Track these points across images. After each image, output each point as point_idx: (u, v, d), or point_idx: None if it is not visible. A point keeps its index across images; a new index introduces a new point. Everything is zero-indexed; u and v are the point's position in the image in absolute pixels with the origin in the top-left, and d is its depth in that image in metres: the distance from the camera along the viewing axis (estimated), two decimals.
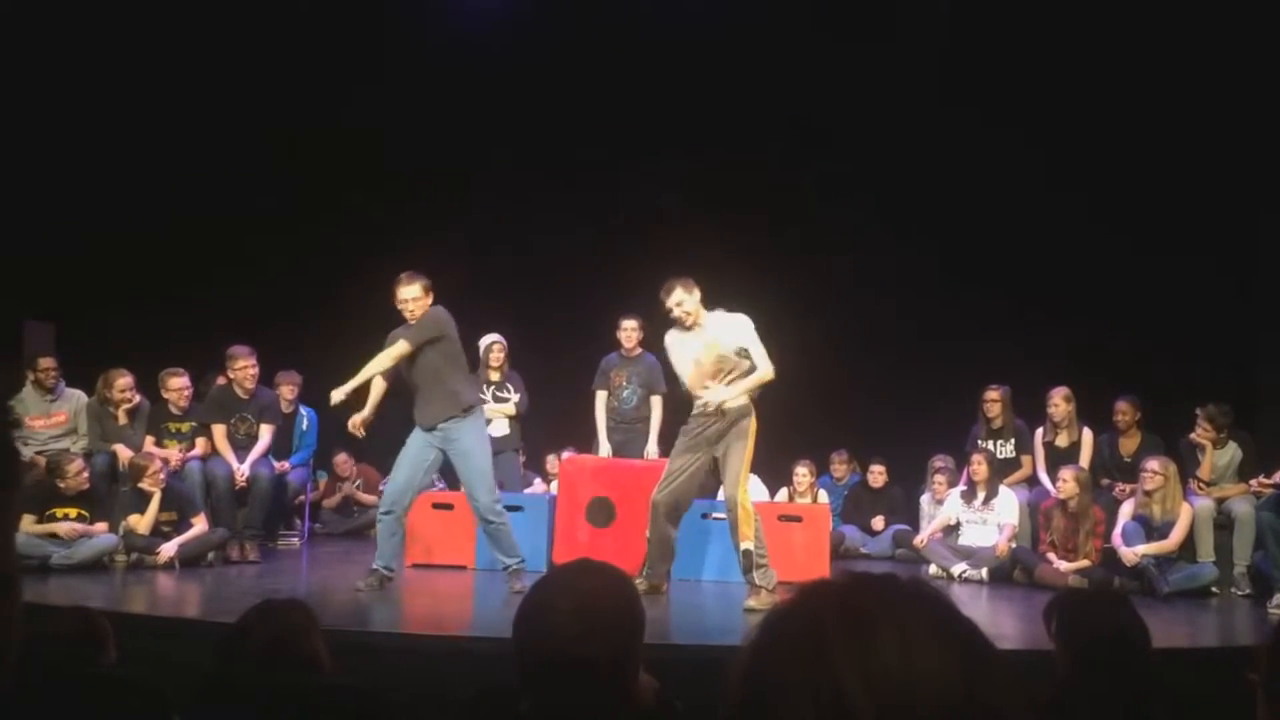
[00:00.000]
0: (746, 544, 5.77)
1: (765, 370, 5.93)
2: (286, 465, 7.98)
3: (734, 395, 5.90)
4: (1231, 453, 7.27)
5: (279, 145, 9.40)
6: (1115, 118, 8.64)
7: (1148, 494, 6.86)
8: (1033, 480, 7.93)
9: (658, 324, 7.25)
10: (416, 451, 6.06)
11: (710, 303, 6.07)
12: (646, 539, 6.12)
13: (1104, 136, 8.69)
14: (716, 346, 5.92)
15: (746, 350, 5.94)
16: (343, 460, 9.43)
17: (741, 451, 5.87)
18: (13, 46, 8.20)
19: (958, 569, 7.32)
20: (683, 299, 5.94)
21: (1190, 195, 8.47)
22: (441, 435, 6.03)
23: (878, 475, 9.03)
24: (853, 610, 0.90)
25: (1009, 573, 7.22)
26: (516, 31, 9.52)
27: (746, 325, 5.97)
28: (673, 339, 6.12)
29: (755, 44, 9.15)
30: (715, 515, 6.80)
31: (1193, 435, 7.27)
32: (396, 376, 6.17)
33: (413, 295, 5.99)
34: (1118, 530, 6.94)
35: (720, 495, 6.14)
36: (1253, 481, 7.06)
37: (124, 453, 7.24)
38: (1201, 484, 7.13)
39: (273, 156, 9.38)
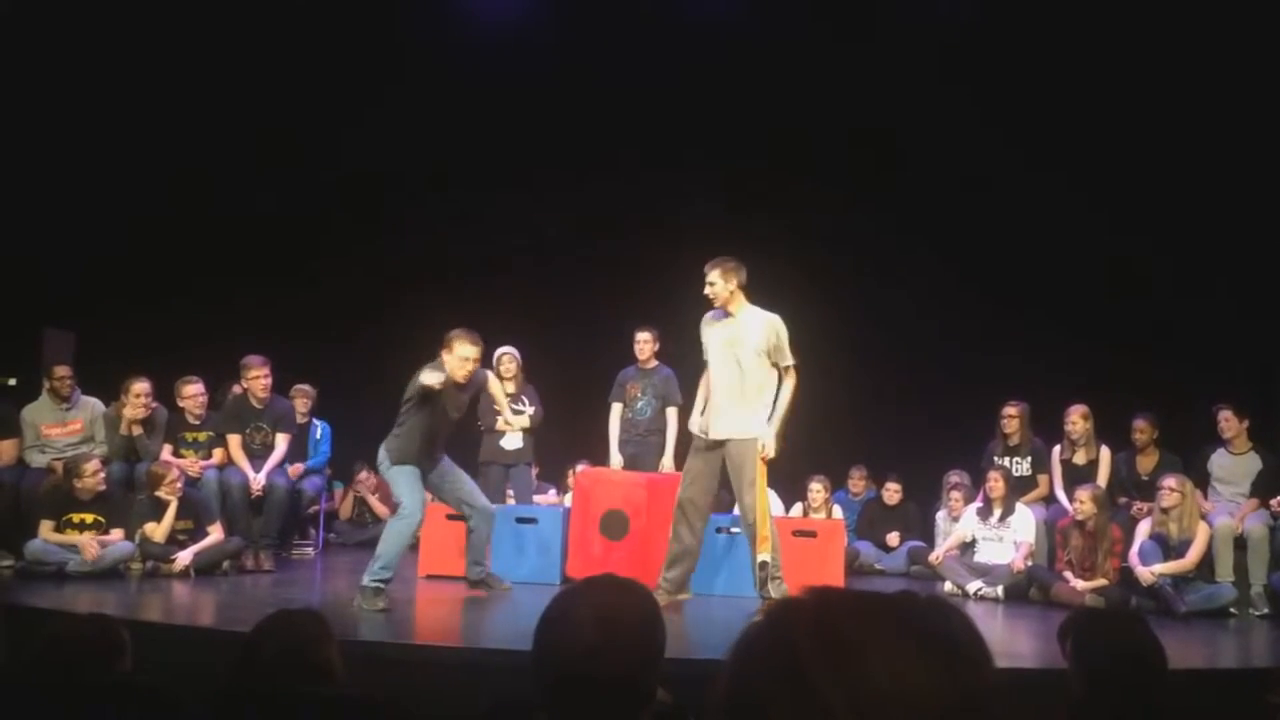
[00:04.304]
0: (764, 555, 5.74)
1: (788, 386, 5.89)
2: (300, 467, 7.98)
3: (775, 430, 5.89)
4: (1250, 461, 7.24)
5: (293, 152, 9.44)
6: (1134, 135, 8.61)
7: (1165, 512, 6.81)
8: (1050, 498, 7.87)
9: (673, 336, 7.24)
10: (419, 479, 6.10)
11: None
12: (669, 540, 6.12)
13: (1124, 153, 8.66)
14: (737, 343, 5.90)
15: (771, 352, 5.89)
16: (364, 478, 9.48)
17: (752, 460, 5.82)
18: (22, 51, 8.25)
19: (973, 586, 7.27)
20: (715, 279, 5.91)
21: (1209, 211, 8.43)
22: (440, 464, 6.21)
23: (893, 492, 8.99)
24: (827, 633, 0.89)
25: (1025, 591, 7.17)
26: (524, 41, 9.53)
27: (777, 325, 5.91)
28: (705, 322, 6.11)
29: (775, 54, 9.16)
30: (731, 529, 6.79)
31: (1221, 419, 7.28)
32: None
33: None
34: (1134, 549, 6.89)
35: (735, 509, 6.13)
36: (1272, 501, 7.01)
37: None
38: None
39: (283, 161, 9.43)
